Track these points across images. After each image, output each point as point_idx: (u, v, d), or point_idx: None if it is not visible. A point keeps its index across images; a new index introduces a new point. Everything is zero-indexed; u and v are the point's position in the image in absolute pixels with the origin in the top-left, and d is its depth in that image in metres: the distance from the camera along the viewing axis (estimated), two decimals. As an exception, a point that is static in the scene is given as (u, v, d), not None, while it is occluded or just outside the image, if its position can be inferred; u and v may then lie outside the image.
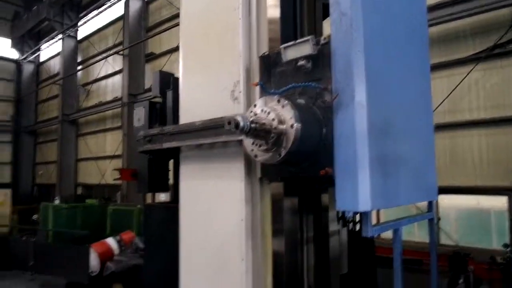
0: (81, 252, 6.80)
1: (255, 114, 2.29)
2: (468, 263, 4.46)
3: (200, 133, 3.01)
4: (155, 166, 3.99)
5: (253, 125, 2.14)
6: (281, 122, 2.20)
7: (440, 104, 6.57)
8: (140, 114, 3.95)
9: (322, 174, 2.61)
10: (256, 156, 2.46)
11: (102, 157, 14.46)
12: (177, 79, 3.66)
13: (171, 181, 4.20)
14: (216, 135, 2.87)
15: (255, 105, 2.37)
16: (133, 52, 12.63)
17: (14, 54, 19.16)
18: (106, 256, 7.51)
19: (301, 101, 2.44)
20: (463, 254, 4.89)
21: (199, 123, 3.00)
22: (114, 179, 4.94)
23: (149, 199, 9.25)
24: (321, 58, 2.35)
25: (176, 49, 10.64)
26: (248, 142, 2.48)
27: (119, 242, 8.02)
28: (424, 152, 2.95)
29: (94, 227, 8.65)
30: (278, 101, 2.26)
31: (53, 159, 16.93)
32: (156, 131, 3.54)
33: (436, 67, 6.85)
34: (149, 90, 3.83)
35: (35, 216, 13.78)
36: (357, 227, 4.03)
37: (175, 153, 3.61)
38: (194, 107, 3.26)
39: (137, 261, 7.25)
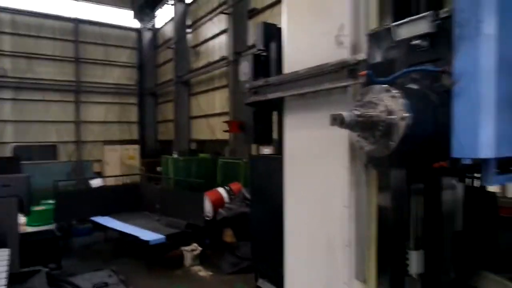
0: (198, 199, 7.59)
1: (362, 105, 2.13)
2: None
3: (304, 82, 3.00)
4: (260, 118, 4.17)
5: (359, 119, 2.05)
6: (390, 113, 2.03)
7: None
8: (245, 68, 4.09)
9: (436, 167, 2.38)
10: (361, 147, 2.32)
11: (212, 114, 15.54)
12: (280, 30, 3.66)
13: (274, 136, 4.35)
14: (320, 83, 2.84)
15: (362, 94, 2.22)
16: (237, 10, 12.91)
17: (136, 24, 21.28)
18: (218, 203, 8.28)
19: (414, 86, 2.20)
20: None
21: (303, 71, 2.99)
22: (224, 131, 5.29)
23: (254, 153, 9.71)
24: (441, 36, 2.04)
25: (278, 1, 10.51)
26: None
27: (228, 191, 8.74)
28: None
29: (207, 178, 9.52)
30: (387, 90, 2.06)
31: (170, 118, 18.83)
32: (261, 83, 3.65)
33: None
34: (253, 46, 3.93)
35: (159, 168, 15.79)
36: (476, 181, 3.66)
37: (279, 105, 3.70)
38: (297, 55, 3.24)
39: (245, 209, 7.84)
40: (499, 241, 3.87)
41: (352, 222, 2.80)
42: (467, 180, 3.60)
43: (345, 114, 2.01)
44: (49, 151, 17.60)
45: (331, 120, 2.06)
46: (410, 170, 2.77)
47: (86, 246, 8.51)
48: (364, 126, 2.09)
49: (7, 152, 16.34)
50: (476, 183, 3.73)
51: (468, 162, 1.88)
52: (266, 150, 9.58)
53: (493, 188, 4.05)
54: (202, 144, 16.49)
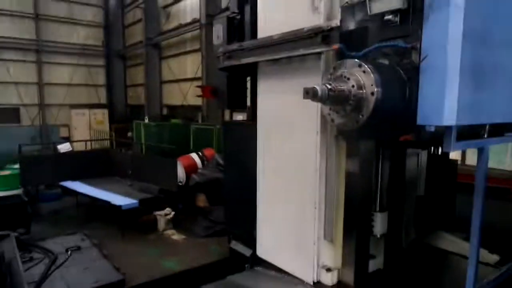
0: (170, 164, 7.57)
1: (335, 79, 2.20)
2: None
3: (278, 47, 2.99)
4: (234, 83, 4.13)
5: (331, 93, 2.10)
6: (360, 88, 2.11)
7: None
8: (218, 31, 4.00)
9: (401, 140, 2.49)
10: (333, 120, 2.40)
11: (183, 79, 15.19)
12: (255, -8, 3.57)
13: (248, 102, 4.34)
14: (294, 49, 2.84)
15: (334, 68, 2.27)
16: (210, -30, 12.38)
17: (100, -20, 19.93)
18: (191, 169, 8.30)
19: (384, 61, 2.27)
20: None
21: (277, 36, 2.97)
22: (197, 96, 5.24)
23: (227, 119, 9.68)
24: (412, 12, 2.11)
25: (253, -36, 10.09)
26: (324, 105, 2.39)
27: (201, 157, 8.75)
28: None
29: (179, 144, 9.45)
30: (359, 65, 2.12)
31: (140, 82, 18.25)
32: (235, 47, 3.60)
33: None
34: (227, 9, 3.81)
35: (129, 134, 15.48)
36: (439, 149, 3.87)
37: (253, 70, 3.68)
38: (272, 20, 3.20)
39: (218, 175, 7.92)
40: (455, 204, 4.17)
41: (322, 185, 2.92)
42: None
43: (318, 88, 2.06)
44: (11, 114, 16.79)
45: (304, 94, 2.11)
46: (378, 141, 2.91)
47: (56, 211, 8.39)
48: (335, 100, 2.15)
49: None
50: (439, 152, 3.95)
51: (432, 129, 2.00)
52: (239, 117, 9.57)
53: (453, 156, 4.31)
54: (174, 110, 16.21)
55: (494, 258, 3.42)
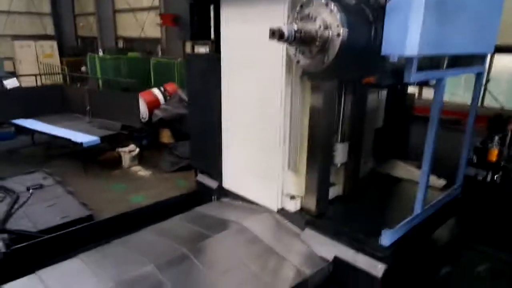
0: (132, 99, 7.31)
1: (301, 18, 2.12)
2: (508, 124, 4.43)
3: (244, -28, 2.81)
4: (197, 12, 3.89)
5: (297, 34, 2.03)
6: (327, 28, 2.05)
7: None
8: (178, -47, 3.65)
9: (365, 83, 2.50)
10: (298, 61, 2.34)
11: (139, 8, 14.13)
12: None
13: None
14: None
15: (301, 6, 2.17)
16: None
17: None
18: (153, 104, 8.10)
19: (351, 1, 2.19)
20: (506, 116, 4.82)
21: (243, -41, 2.77)
22: (157, 24, 4.92)
23: (188, 52, 9.31)
24: None
25: None
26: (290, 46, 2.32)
27: (163, 92, 8.51)
28: (490, 3, 2.68)
29: (138, 78, 9.05)
30: (326, 4, 2.05)
31: (91, 11, 16.78)
32: (197, -29, 3.33)
33: None
34: None
35: (83, 68, 14.52)
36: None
37: (217, -3, 3.46)
38: None
39: (181, 110, 7.81)
40: (408, 135, 4.42)
41: (287, 118, 2.97)
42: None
43: (284, 29, 2.00)
44: None
45: (270, 34, 2.04)
46: (342, 82, 2.95)
47: (11, 151, 8.03)
48: (302, 41, 2.11)
49: None
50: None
51: (394, 59, 2.05)
52: (201, 49, 9.22)
53: (411, 91, 4.49)
54: (131, 42, 15.27)
55: (440, 182, 3.76)
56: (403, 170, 4.11)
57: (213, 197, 3.91)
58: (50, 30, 18.56)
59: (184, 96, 8.16)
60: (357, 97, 3.22)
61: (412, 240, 2.79)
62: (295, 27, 2.05)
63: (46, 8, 18.40)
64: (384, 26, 2.06)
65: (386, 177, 4.04)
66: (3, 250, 2.90)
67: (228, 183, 3.74)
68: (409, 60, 2.11)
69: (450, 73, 2.66)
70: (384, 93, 3.99)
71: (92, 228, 3.78)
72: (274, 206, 3.19)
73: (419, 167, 2.95)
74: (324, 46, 2.10)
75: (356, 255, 2.61)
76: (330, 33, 2.05)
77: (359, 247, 2.62)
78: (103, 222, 3.93)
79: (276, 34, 2.01)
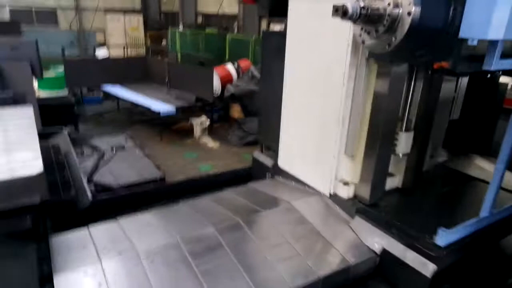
0: (207, 74, 7.61)
1: None
2: None
3: None
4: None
5: (364, 12, 1.88)
6: (397, 6, 1.86)
7: None
8: None
9: (436, 68, 2.23)
10: (363, 42, 2.18)
11: (220, -15, 14.43)
12: None
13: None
14: None
15: None
16: None
17: None
18: (226, 79, 8.35)
19: None
20: None
21: None
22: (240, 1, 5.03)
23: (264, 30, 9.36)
24: None
25: None
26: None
27: (237, 69, 8.71)
28: None
29: (215, 54, 9.37)
30: None
31: (175, -13, 17.50)
32: None
33: None
34: None
35: (164, 42, 15.36)
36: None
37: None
38: None
39: (252, 87, 7.96)
40: (494, 131, 4.01)
41: (348, 101, 2.85)
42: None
43: (349, 5, 1.86)
44: (49, 17, 16.88)
45: (333, 11, 1.92)
46: (412, 66, 2.73)
47: (99, 113, 8.90)
48: (368, 20, 1.96)
49: (3, 15, 15.67)
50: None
51: (474, 43, 1.80)
52: (277, 27, 9.19)
53: (505, 80, 4.02)
54: (209, 18, 15.71)
55: (526, 183, 3.40)
56: (477, 167, 3.77)
57: (267, 174, 3.90)
58: (138, 4, 19.75)
59: (256, 73, 8.29)
60: (428, 84, 2.99)
61: (473, 244, 2.56)
62: (362, 3, 1.91)
63: (136, -16, 19.56)
64: (466, 4, 1.84)
65: (457, 174, 3.72)
66: (91, 198, 3.29)
67: (283, 162, 3.71)
68: (492, 44, 1.85)
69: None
70: (464, 82, 3.65)
71: (164, 189, 4.11)
72: (326, 190, 3.11)
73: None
74: (392, 26, 1.93)
75: (406, 251, 2.45)
76: (400, 11, 1.89)
77: (411, 243, 2.45)
78: (174, 185, 4.25)
79: (340, 11, 1.90)
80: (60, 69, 8.78)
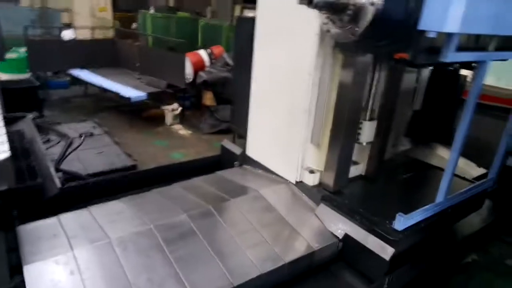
0: (179, 59, 7.47)
1: None
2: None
3: None
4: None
5: (328, 0, 1.93)
6: None
7: None
8: None
9: (397, 59, 2.30)
10: (328, 31, 2.24)
11: (192, -33, 14.08)
12: None
13: None
14: None
15: None
16: None
17: None
18: (198, 65, 8.25)
19: None
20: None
21: None
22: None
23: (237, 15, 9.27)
24: None
25: None
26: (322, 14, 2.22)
27: (209, 55, 8.61)
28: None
29: (187, 39, 9.17)
30: None
31: (145, -34, 16.86)
32: None
33: None
34: None
35: (134, 25, 14.85)
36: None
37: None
38: None
39: (225, 74, 7.91)
40: (453, 121, 4.22)
41: (314, 91, 2.92)
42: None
43: None
44: (9, -7, 15.86)
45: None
46: (376, 56, 2.83)
47: (66, 99, 8.59)
48: (332, 8, 2.02)
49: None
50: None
51: (432, 35, 1.91)
52: (251, 14, 9.13)
53: (465, 72, 4.23)
54: (181, 1, 15.34)
55: (481, 170, 3.64)
56: (437, 156, 3.98)
57: (235, 163, 3.94)
58: (106, -16, 18.93)
59: (229, 60, 8.24)
60: (391, 75, 3.11)
61: (429, 228, 2.73)
62: None
63: (103, -39, 18.68)
64: (424, 2, 1.91)
65: (418, 162, 3.91)
66: (59, 186, 3.23)
67: (251, 150, 3.76)
68: (448, 37, 1.96)
69: (495, 56, 2.45)
70: (426, 72, 3.80)
71: (135, 176, 4.08)
72: (293, 178, 3.20)
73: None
74: (357, 16, 1.99)
75: (367, 236, 2.59)
76: (364, 1, 1.94)
77: (371, 228, 2.59)
78: (145, 172, 4.22)
79: None
80: (22, 50, 8.34)
